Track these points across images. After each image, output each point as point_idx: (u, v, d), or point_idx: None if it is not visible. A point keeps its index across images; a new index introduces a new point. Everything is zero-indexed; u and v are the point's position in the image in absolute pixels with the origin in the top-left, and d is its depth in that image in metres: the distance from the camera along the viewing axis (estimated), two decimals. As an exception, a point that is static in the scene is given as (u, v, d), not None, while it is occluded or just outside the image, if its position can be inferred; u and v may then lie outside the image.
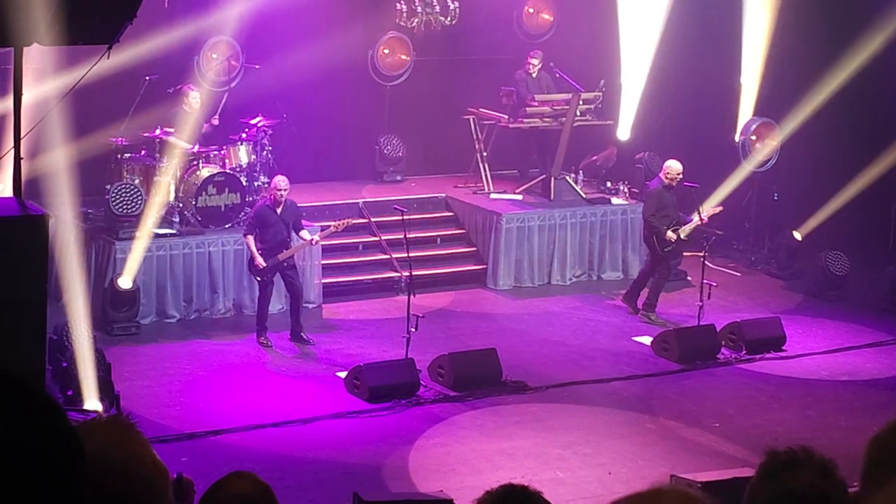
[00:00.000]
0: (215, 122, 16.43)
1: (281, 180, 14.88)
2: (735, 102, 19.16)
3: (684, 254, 18.14)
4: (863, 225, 18.78)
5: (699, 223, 16.38)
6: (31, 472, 1.93)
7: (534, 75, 18.55)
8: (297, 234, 15.10)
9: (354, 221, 15.58)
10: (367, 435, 12.77)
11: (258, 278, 14.96)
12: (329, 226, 15.53)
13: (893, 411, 12.11)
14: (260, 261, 14.75)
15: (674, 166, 16.27)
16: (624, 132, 19.35)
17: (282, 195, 14.80)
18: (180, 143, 15.88)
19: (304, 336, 15.00)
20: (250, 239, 14.83)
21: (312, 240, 15.14)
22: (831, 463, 3.25)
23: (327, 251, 16.39)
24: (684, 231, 16.30)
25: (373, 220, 17.38)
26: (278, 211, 14.84)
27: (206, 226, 15.91)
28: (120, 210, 15.40)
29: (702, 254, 16.19)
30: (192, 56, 17.03)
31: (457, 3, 17.25)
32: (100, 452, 2.57)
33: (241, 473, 4.24)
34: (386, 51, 18.82)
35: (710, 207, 16.76)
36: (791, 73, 18.83)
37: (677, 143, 19.11)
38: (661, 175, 16.30)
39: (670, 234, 16.15)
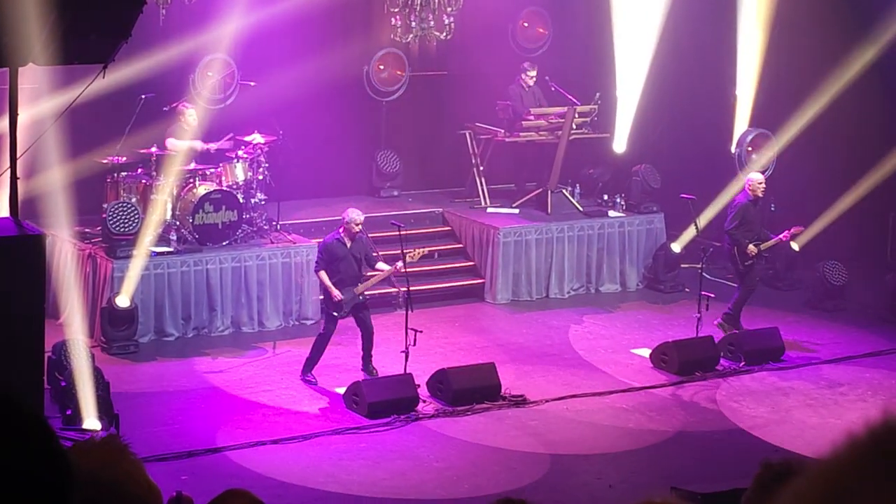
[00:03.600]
0: (212, 149, 16.36)
1: (357, 214, 14.31)
2: (731, 114, 19.16)
3: (682, 265, 18.14)
4: (860, 235, 18.77)
5: (781, 240, 16.32)
6: (19, 494, 1.92)
7: (527, 88, 18.54)
8: (373, 267, 14.43)
9: (430, 249, 14.54)
10: (367, 451, 12.76)
11: (335, 314, 14.25)
12: (405, 254, 14.72)
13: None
14: (336, 293, 14.11)
15: (754, 178, 16.21)
16: (620, 145, 19.36)
17: (358, 229, 14.27)
18: (191, 143, 15.90)
19: (374, 369, 14.58)
20: (323, 274, 14.24)
21: (396, 266, 14.36)
22: None
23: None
24: (765, 246, 16.19)
25: (370, 235, 17.35)
26: (348, 245, 14.27)
27: (204, 243, 15.90)
28: (117, 229, 15.39)
29: (699, 265, 16.16)
30: (188, 74, 17.04)
31: (452, 18, 17.23)
32: (93, 474, 2.57)
33: (238, 491, 4.22)
34: (381, 66, 18.84)
35: (794, 227, 16.57)
36: (787, 84, 18.84)
37: (674, 155, 19.13)
38: (746, 189, 16.20)
39: (751, 248, 16.03)
